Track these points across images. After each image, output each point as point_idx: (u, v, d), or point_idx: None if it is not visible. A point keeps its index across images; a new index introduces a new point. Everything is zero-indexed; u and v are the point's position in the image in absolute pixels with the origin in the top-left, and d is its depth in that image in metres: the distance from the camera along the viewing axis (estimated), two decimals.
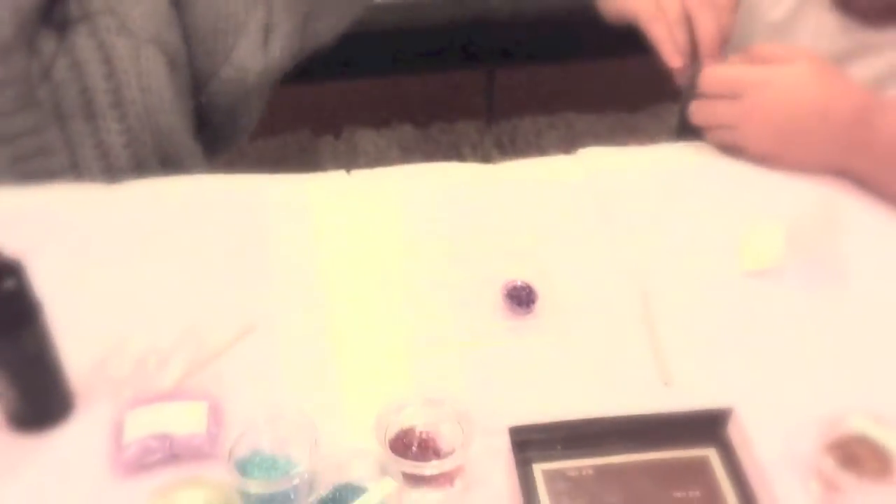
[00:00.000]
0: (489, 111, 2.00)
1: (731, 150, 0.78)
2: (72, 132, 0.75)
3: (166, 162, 0.81)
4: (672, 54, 0.82)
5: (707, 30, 0.82)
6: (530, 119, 1.98)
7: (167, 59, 0.78)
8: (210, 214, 0.71)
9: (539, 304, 0.62)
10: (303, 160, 1.82)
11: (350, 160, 1.93)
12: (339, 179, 0.75)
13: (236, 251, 0.67)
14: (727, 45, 0.83)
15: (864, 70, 0.85)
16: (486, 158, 1.84)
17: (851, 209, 0.71)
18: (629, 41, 0.84)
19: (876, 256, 0.66)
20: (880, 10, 0.84)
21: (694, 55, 0.82)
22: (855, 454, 0.52)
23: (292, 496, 0.49)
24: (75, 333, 0.55)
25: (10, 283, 0.49)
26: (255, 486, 0.48)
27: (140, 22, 0.76)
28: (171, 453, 0.52)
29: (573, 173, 0.76)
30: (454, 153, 1.95)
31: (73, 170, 0.75)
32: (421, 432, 0.52)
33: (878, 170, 0.75)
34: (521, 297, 0.62)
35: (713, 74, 0.78)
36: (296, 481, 0.49)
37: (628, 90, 1.78)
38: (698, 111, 0.79)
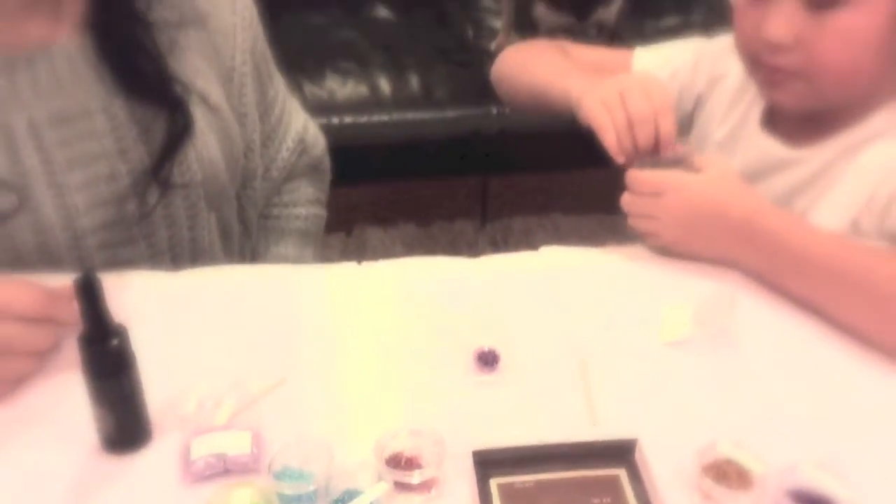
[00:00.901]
0: (483, 213, 2.13)
1: (649, 236, 0.90)
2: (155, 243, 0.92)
3: None
4: (617, 154, 0.90)
5: (667, 130, 0.90)
6: (521, 220, 2.11)
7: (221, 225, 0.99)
8: (249, 296, 0.86)
9: (501, 364, 0.77)
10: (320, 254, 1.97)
11: (359, 254, 2.07)
12: (350, 269, 0.91)
13: (270, 324, 0.82)
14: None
15: (782, 181, 0.94)
16: (480, 255, 2.03)
17: (744, 292, 0.83)
18: (605, 153, 0.92)
19: (760, 329, 0.81)
20: (796, 132, 0.94)
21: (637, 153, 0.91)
22: (724, 473, 0.64)
23: (313, 497, 0.63)
24: (155, 381, 0.69)
25: (117, 341, 0.65)
26: (287, 489, 0.63)
27: (212, 197, 0.95)
28: (226, 468, 0.66)
29: (535, 266, 0.91)
30: (452, 250, 2.01)
31: (150, 260, 0.92)
32: (408, 454, 0.66)
33: (764, 262, 0.84)
34: (488, 359, 0.77)
35: (643, 176, 0.88)
36: (314, 486, 0.63)
37: (607, 195, 1.93)
38: (628, 202, 0.89)
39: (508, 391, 0.75)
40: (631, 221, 0.91)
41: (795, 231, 0.84)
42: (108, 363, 0.66)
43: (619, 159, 0.91)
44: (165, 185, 0.89)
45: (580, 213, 2.07)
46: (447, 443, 0.66)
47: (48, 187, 0.84)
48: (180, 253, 0.95)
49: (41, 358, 0.75)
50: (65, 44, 0.85)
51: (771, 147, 0.96)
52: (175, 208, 0.92)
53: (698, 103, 1.06)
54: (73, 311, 0.66)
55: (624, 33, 2.12)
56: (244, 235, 1.07)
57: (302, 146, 1.09)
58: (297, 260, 1.09)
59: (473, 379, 0.77)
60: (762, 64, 0.89)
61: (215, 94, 0.93)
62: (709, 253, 0.88)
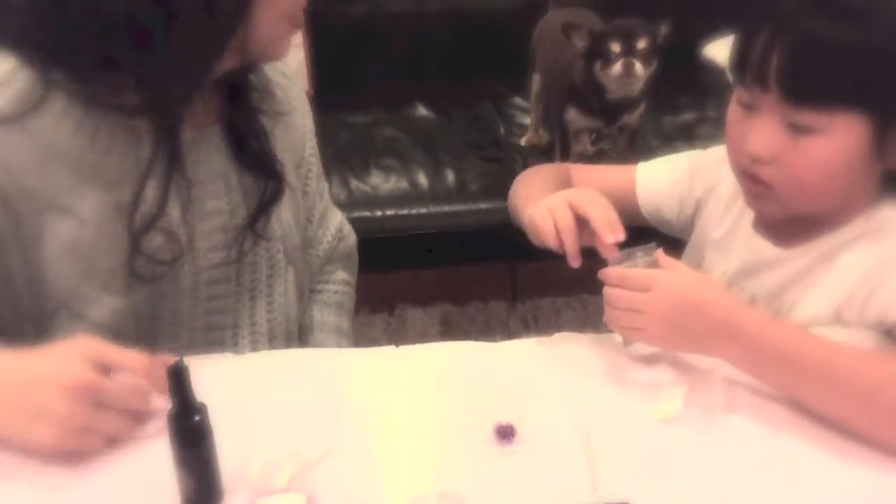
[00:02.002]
0: (514, 295, 2.21)
1: (632, 331, 0.91)
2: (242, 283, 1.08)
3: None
4: (572, 258, 0.94)
5: (599, 218, 0.93)
6: (549, 300, 2.18)
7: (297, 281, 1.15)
8: (302, 377, 0.97)
9: (517, 437, 0.85)
10: (363, 333, 2.08)
11: (401, 332, 2.18)
12: (389, 353, 1.03)
13: (319, 402, 0.92)
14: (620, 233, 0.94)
15: (772, 278, 1.00)
16: (512, 333, 2.10)
17: (732, 371, 0.90)
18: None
19: (747, 407, 0.89)
20: (783, 234, 1.00)
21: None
22: None
23: None
24: (226, 450, 0.79)
25: (199, 417, 0.77)
26: None
27: (289, 252, 1.13)
28: None
29: (549, 350, 1.01)
30: (486, 328, 2.15)
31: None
32: None
33: (745, 359, 0.87)
34: (506, 432, 0.85)
35: (633, 272, 0.90)
36: None
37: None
38: (612, 297, 0.91)
39: (523, 460, 0.84)
40: (611, 316, 0.91)
41: (773, 330, 0.87)
42: (191, 435, 0.78)
43: (573, 263, 0.94)
44: (257, 236, 1.06)
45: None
46: None
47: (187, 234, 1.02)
48: (257, 295, 1.11)
49: (138, 421, 0.86)
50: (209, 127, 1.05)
51: (761, 247, 1.02)
52: (259, 257, 1.10)
53: (697, 208, 1.15)
54: (164, 383, 0.79)
55: (644, 131, 2.24)
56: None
57: (340, 234, 1.29)
58: (337, 327, 1.25)
59: (493, 449, 0.86)
60: (744, 173, 0.98)
61: (291, 174, 1.13)
62: (692, 349, 0.91)
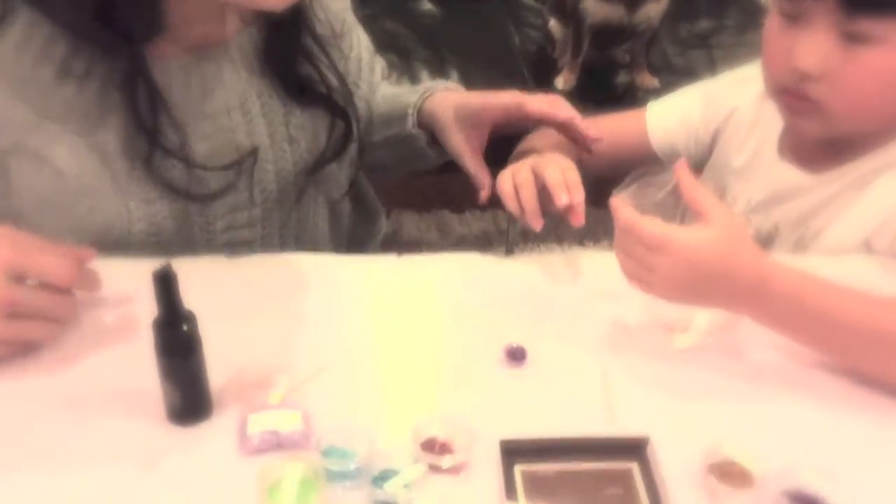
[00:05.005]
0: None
1: (637, 283, 0.81)
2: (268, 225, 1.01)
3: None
4: (530, 216, 0.88)
5: (553, 177, 0.88)
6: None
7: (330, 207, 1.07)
8: (298, 286, 0.92)
9: (528, 360, 0.81)
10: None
11: (396, 237, 2.12)
12: (390, 263, 0.97)
13: (317, 313, 0.88)
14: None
15: (798, 206, 0.97)
16: (511, 242, 1.95)
17: None
18: None
19: (768, 336, 0.83)
20: (812, 159, 0.97)
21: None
22: (728, 472, 0.69)
23: (355, 474, 0.69)
24: (216, 362, 0.75)
25: (187, 327, 0.71)
26: (333, 465, 0.69)
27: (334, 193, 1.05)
28: (278, 444, 0.71)
29: (562, 267, 0.96)
30: (483, 237, 2.11)
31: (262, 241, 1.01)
32: (441, 439, 0.71)
33: (777, 321, 0.80)
34: (516, 354, 0.81)
35: (646, 227, 0.77)
36: (357, 465, 0.69)
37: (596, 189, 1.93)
38: (621, 242, 0.79)
39: (534, 385, 0.80)
40: (619, 260, 0.81)
41: (810, 289, 0.78)
42: (178, 345, 0.72)
43: (534, 223, 0.89)
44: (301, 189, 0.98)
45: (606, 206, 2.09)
46: (476, 431, 0.72)
47: (193, 177, 0.92)
48: (287, 234, 1.02)
49: (61, 328, 0.81)
50: (235, 43, 0.93)
51: (788, 173, 0.98)
52: (286, 193, 0.99)
53: (714, 138, 1.09)
54: (95, 280, 0.77)
55: (660, 38, 2.15)
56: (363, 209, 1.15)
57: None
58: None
59: (502, 372, 0.81)
60: (787, 91, 0.91)
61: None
62: (709, 306, 0.82)
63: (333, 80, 1.00)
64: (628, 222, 0.78)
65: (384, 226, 1.26)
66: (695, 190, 0.79)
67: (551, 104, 0.96)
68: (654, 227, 0.77)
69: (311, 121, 1.00)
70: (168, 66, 0.90)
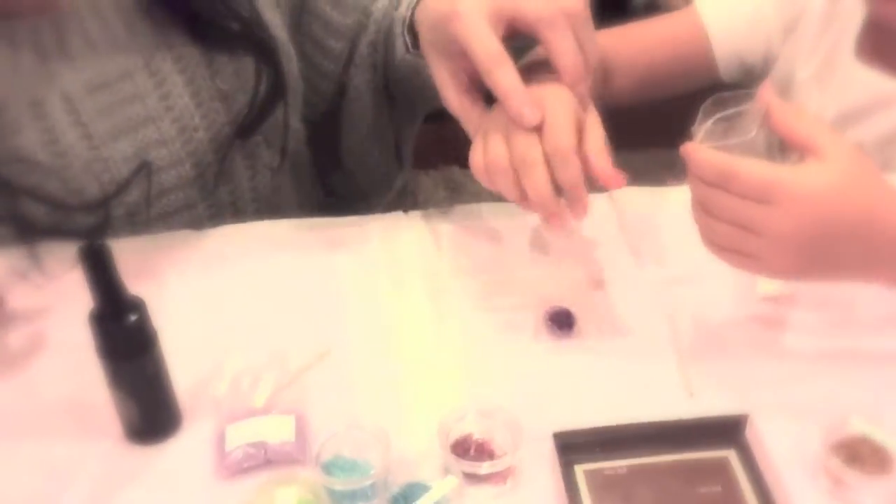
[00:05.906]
0: None
1: (745, 263, 0.62)
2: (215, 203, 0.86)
3: None
4: (514, 199, 0.66)
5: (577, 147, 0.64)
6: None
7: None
8: (286, 255, 0.79)
9: (577, 327, 0.69)
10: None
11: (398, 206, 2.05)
12: (397, 220, 0.83)
13: (311, 286, 0.76)
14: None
15: (883, 120, 0.87)
16: None
17: None
18: None
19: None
20: None
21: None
22: (857, 453, 0.57)
23: (369, 493, 0.57)
24: (182, 359, 0.63)
25: (133, 318, 0.58)
26: (339, 485, 0.56)
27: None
28: (266, 459, 0.60)
29: (607, 211, 0.82)
30: (502, 197, 2.03)
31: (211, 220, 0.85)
32: (477, 438, 0.59)
33: None
34: (561, 321, 0.70)
35: (745, 171, 0.58)
36: (372, 480, 0.57)
37: (666, 129, 1.83)
38: (712, 203, 0.60)
39: (588, 359, 0.69)
40: (707, 231, 0.62)
41: None
42: (125, 342, 0.59)
43: (522, 203, 0.66)
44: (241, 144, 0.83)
45: (634, 148, 1.97)
46: (521, 424, 0.60)
47: (91, 162, 0.77)
48: (243, 208, 0.88)
49: None
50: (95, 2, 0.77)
51: (871, 80, 0.87)
52: (235, 164, 0.85)
53: (783, 41, 0.96)
54: None
55: None
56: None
57: None
58: None
59: (545, 345, 0.70)
60: None
61: (278, 26, 0.85)
62: (840, 280, 0.63)
63: (248, 12, 0.81)
64: (716, 165, 0.59)
65: (398, 184, 1.09)
66: (793, 119, 0.60)
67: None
68: (756, 169, 0.58)
69: (245, 68, 0.83)
70: None
